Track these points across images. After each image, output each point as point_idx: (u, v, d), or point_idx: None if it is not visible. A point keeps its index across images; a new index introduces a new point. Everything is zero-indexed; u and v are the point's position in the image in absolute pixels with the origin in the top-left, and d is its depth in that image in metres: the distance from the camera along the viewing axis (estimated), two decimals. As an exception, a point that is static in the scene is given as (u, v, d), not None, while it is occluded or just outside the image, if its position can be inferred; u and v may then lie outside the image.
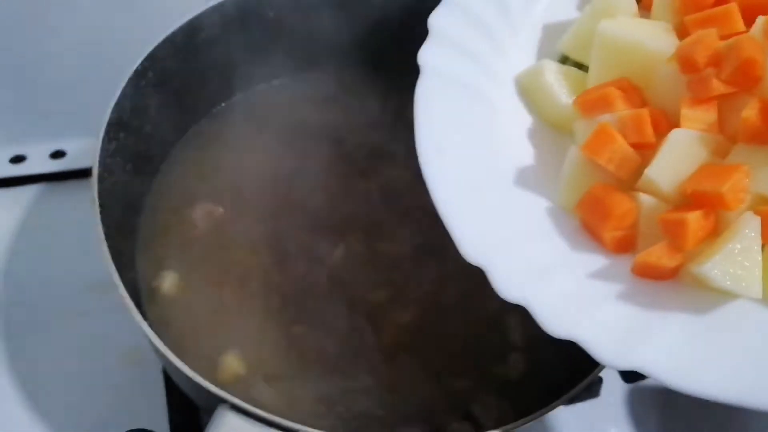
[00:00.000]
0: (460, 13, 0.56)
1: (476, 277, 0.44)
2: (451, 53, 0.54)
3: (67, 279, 0.74)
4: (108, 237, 0.52)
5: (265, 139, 0.74)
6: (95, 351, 0.70)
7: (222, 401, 0.45)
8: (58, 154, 0.85)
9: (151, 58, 0.63)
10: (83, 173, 0.81)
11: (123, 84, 0.60)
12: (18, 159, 0.84)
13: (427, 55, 0.53)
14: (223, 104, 0.76)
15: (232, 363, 0.60)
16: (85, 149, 0.84)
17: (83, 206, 0.77)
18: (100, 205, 0.53)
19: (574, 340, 0.42)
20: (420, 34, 0.54)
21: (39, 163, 0.84)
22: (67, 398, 0.68)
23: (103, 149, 0.56)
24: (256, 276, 0.65)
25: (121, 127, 0.60)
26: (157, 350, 0.49)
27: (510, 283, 0.44)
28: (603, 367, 0.50)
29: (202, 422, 0.68)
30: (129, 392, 0.68)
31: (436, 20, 0.54)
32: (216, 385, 0.46)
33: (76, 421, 0.67)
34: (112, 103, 0.59)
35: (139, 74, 0.62)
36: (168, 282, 0.64)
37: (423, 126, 0.49)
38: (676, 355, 0.42)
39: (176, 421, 0.67)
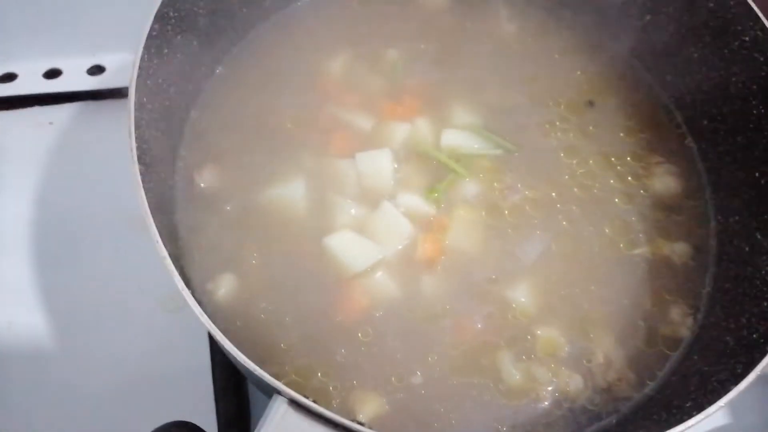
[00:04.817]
0: None
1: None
2: None
3: (105, 210, 0.66)
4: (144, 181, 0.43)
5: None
6: (133, 293, 0.63)
7: (278, 392, 0.37)
8: (96, 70, 0.76)
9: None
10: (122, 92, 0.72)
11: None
12: (53, 74, 0.76)
13: None
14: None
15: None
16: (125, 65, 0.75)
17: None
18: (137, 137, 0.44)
19: None
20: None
21: (75, 79, 0.75)
22: (100, 340, 0.62)
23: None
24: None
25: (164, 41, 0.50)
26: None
27: None
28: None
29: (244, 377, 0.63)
30: (167, 341, 0.62)
31: None
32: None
33: (109, 367, 0.60)
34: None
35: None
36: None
37: None
38: None
39: (220, 374, 0.61)
